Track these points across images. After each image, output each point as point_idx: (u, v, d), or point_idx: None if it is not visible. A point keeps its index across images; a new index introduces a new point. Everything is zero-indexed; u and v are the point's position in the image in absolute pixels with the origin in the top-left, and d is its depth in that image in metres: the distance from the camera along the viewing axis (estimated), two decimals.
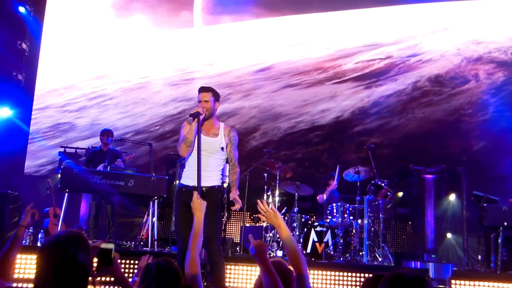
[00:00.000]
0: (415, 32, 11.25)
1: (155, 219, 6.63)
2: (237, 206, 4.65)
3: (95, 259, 2.72)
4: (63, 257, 2.27)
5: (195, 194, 3.50)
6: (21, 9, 10.44)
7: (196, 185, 4.30)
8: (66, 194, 6.48)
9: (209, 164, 4.63)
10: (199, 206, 3.42)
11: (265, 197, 7.53)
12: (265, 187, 7.64)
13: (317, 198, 8.09)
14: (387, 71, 10.75)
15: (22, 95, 10.26)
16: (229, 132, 4.82)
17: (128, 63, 12.13)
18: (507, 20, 10.80)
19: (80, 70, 12.10)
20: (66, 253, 2.28)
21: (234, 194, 4.66)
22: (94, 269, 2.68)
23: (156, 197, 6.70)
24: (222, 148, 4.74)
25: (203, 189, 4.49)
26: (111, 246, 2.78)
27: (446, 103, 10.25)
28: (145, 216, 7.26)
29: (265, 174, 7.84)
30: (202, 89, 4.76)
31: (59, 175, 6.70)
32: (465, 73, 10.41)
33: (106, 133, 7.75)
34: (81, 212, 8.03)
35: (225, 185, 6.86)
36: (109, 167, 7.01)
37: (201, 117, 4.52)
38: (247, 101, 11.00)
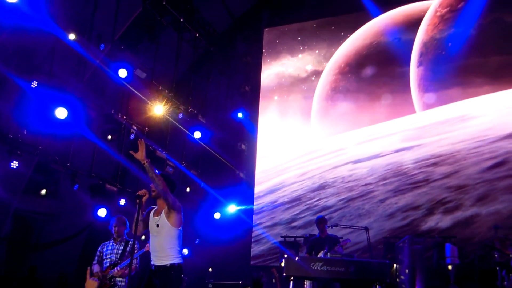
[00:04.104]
0: None
1: None
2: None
3: None
4: None
5: None
6: (240, 115, 12.17)
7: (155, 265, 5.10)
8: (291, 282, 6.85)
9: (154, 244, 5.23)
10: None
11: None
12: (498, 268, 6.95)
13: None
14: None
15: (245, 192, 11.61)
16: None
17: (342, 168, 11.97)
18: None
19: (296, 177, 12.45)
20: None
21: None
22: None
23: (378, 283, 6.62)
24: (158, 225, 5.13)
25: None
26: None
27: None
28: None
29: (496, 254, 7.16)
30: None
31: (283, 264, 7.15)
32: None
33: (322, 221, 8.12)
34: None
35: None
36: (329, 253, 7.25)
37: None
38: (483, 206, 9.79)
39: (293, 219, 11.74)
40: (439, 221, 10.03)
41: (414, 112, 11.42)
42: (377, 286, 6.70)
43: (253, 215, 12.07)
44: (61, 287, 9.32)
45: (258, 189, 12.43)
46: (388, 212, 10.69)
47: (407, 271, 7.56)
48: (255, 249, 11.78)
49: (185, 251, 10.32)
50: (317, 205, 11.59)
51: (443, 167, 10.55)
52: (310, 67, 12.97)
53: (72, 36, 8.66)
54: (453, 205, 10.04)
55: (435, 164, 10.69)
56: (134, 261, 6.27)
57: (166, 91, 10.90)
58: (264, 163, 12.67)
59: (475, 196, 9.91)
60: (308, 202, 11.78)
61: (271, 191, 12.28)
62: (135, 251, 6.42)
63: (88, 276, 4.42)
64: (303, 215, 11.63)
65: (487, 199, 9.76)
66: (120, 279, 6.32)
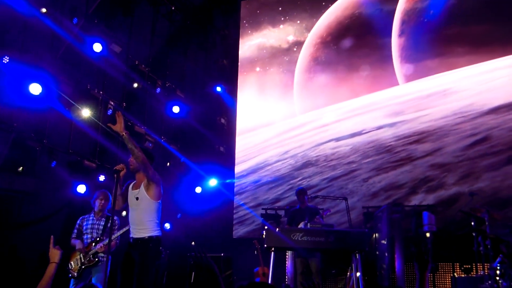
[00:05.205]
0: None
1: (359, 273, 6.66)
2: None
3: None
4: None
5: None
6: (218, 89, 12.12)
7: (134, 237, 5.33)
8: (272, 253, 6.95)
9: (133, 217, 5.36)
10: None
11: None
12: (474, 234, 7.14)
13: None
14: None
15: (225, 166, 11.65)
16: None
17: (325, 145, 11.85)
18: None
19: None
20: None
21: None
22: None
23: (357, 251, 6.75)
24: (137, 198, 5.25)
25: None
26: None
27: None
28: (349, 271, 7.36)
29: (472, 221, 7.33)
30: None
31: (264, 236, 7.22)
32: None
33: (302, 192, 8.21)
34: (287, 270, 8.50)
35: None
36: (309, 224, 7.36)
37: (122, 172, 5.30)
38: (465, 184, 9.76)
39: (277, 199, 11.70)
40: (423, 200, 10.02)
41: (397, 84, 11.36)
42: (357, 254, 6.84)
43: (237, 196, 12.06)
44: (43, 266, 9.28)
45: (240, 168, 12.38)
46: (371, 191, 10.66)
47: (385, 240, 7.73)
48: (239, 230, 11.81)
49: (167, 225, 10.37)
50: (301, 184, 11.44)
51: (426, 145, 10.52)
52: (291, 38, 12.87)
53: (43, 10, 8.45)
54: (436, 184, 10.06)
55: (417, 141, 10.64)
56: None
57: (143, 65, 10.78)
58: (245, 140, 12.59)
59: (458, 174, 9.94)
60: (291, 181, 11.72)
61: (254, 171, 12.24)
62: (116, 227, 6.44)
63: (51, 245, 4.30)
64: (287, 195, 11.57)
65: (470, 178, 9.78)
66: (103, 255, 6.35)
